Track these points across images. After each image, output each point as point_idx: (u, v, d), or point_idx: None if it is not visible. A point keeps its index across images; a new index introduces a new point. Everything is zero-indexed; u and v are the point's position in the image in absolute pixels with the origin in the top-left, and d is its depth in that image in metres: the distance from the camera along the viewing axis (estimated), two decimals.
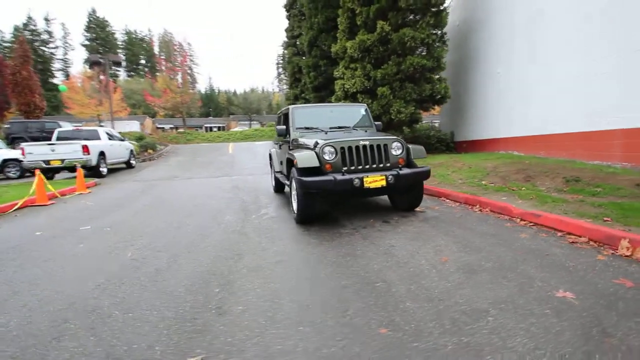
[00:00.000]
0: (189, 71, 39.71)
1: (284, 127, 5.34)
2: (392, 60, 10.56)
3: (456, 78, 12.03)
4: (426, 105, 11.76)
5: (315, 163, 4.01)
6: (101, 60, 16.94)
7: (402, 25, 10.60)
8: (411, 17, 10.92)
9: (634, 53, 5.78)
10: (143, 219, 4.99)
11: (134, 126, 39.29)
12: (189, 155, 17.38)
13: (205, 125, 51.45)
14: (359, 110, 5.74)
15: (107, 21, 61.88)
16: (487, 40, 10.43)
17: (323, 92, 15.73)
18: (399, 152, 4.36)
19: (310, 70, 16.07)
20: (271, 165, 7.51)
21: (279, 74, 66.08)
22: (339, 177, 3.87)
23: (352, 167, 4.13)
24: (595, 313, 1.93)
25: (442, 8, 10.83)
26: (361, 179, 3.91)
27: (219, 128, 50.77)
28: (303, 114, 5.43)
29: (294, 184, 4.46)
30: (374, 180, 3.96)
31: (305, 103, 17.99)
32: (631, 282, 2.27)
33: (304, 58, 18.97)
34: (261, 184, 8.36)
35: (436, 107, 12.92)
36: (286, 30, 23.97)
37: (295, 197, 4.39)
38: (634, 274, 2.39)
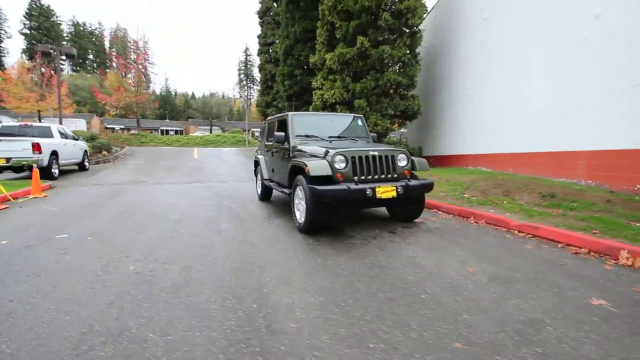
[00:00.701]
0: (143, 70, 37.42)
1: (282, 133, 5.18)
2: (370, 75, 10.88)
3: (425, 96, 12.69)
4: (398, 120, 12.26)
5: (328, 172, 3.94)
6: (51, 51, 15.30)
7: (381, 43, 11.01)
8: (387, 36, 11.40)
9: (583, 90, 6.62)
10: (126, 226, 4.51)
11: (80, 125, 36.13)
12: (150, 159, 16.25)
13: (161, 128, 48.64)
14: (356, 121, 5.77)
15: (52, 10, 56.76)
16: (455, 63, 11.19)
17: (298, 101, 15.69)
18: (404, 163, 4.44)
19: (285, 78, 15.99)
20: (256, 173, 7.26)
21: (241, 80, 65.04)
22: (353, 186, 3.83)
23: (362, 177, 4.12)
24: (636, 319, 2.08)
25: (416, 29, 11.46)
26: (373, 189, 3.90)
27: (176, 132, 48.32)
28: (303, 122, 5.33)
29: (298, 192, 4.33)
30: (386, 191, 3.97)
31: (278, 111, 17.80)
32: None
33: (277, 67, 18.86)
34: (241, 190, 8.03)
35: (408, 121, 13.52)
36: (259, 37, 23.72)
37: (301, 205, 4.26)
38: None
